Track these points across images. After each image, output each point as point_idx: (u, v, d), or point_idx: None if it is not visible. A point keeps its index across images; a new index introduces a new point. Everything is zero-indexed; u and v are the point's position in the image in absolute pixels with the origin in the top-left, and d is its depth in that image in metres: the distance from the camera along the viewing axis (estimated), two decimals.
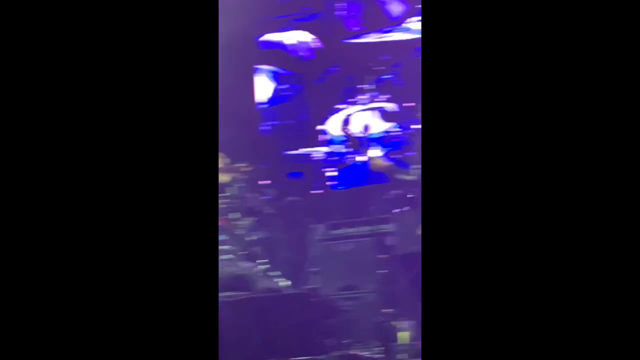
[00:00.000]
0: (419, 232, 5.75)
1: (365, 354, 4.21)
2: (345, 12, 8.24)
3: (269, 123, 8.52)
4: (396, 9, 7.91)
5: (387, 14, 7.98)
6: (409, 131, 6.97)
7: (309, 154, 8.12)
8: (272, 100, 8.55)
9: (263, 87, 8.51)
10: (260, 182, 6.34)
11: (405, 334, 5.60)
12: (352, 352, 4.19)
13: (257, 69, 8.44)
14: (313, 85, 8.47)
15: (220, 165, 6.04)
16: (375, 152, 6.33)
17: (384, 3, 7.87)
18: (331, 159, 8.06)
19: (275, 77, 8.57)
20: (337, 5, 8.21)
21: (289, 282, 5.69)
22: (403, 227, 5.40)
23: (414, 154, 6.06)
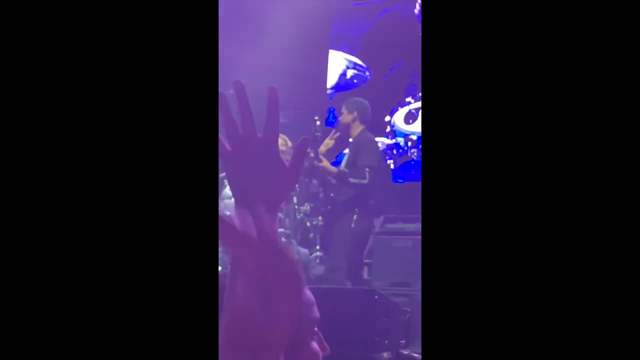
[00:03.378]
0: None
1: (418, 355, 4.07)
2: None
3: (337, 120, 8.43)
4: None
5: None
6: None
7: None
8: (338, 87, 8.45)
9: (334, 72, 8.42)
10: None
11: None
12: (406, 352, 4.05)
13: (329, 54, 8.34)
14: (380, 78, 8.33)
15: (283, 147, 5.97)
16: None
17: None
18: (393, 152, 7.93)
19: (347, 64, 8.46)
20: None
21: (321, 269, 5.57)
22: None
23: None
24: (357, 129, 5.95)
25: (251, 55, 7.05)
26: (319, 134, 5.92)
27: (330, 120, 8.24)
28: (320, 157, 5.71)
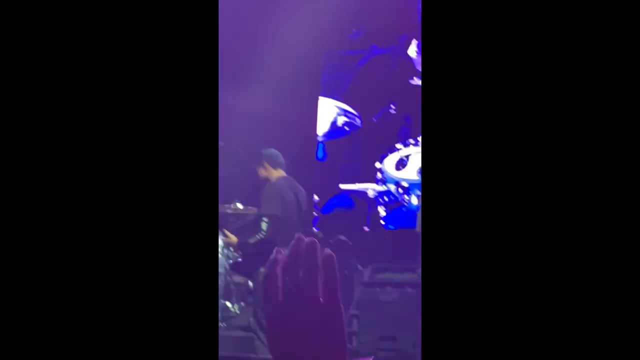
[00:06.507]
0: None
1: None
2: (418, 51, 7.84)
3: (327, 155, 8.22)
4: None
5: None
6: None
7: (365, 191, 7.74)
8: (329, 134, 8.26)
9: (325, 120, 8.23)
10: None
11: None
12: None
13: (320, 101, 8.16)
14: (372, 123, 8.14)
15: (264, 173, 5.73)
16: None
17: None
18: (384, 198, 7.69)
19: (337, 111, 8.27)
20: (411, 42, 7.84)
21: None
22: None
23: None
24: (275, 177, 5.70)
25: (241, 103, 6.88)
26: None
27: (319, 157, 8.01)
28: (225, 231, 5.41)
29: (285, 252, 0.86)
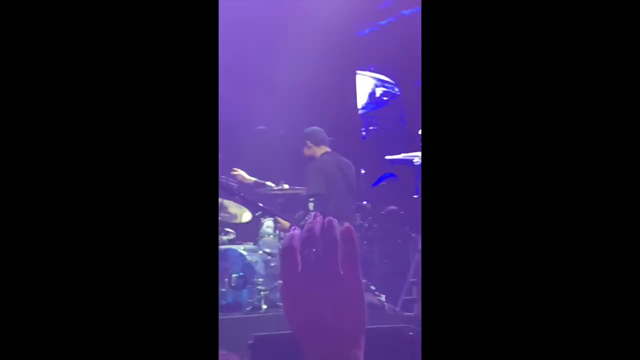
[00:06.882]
0: None
1: None
2: None
3: (369, 128, 8.20)
4: None
5: None
6: None
7: (411, 159, 7.71)
8: (369, 106, 8.23)
9: (363, 92, 8.20)
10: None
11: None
12: None
13: (357, 74, 8.12)
14: (412, 89, 8.07)
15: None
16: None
17: None
18: None
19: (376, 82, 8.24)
20: None
21: (382, 297, 5.26)
22: None
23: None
24: (319, 154, 5.71)
25: (282, 81, 6.89)
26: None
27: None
28: (278, 219, 5.43)
29: (302, 228, 0.89)
